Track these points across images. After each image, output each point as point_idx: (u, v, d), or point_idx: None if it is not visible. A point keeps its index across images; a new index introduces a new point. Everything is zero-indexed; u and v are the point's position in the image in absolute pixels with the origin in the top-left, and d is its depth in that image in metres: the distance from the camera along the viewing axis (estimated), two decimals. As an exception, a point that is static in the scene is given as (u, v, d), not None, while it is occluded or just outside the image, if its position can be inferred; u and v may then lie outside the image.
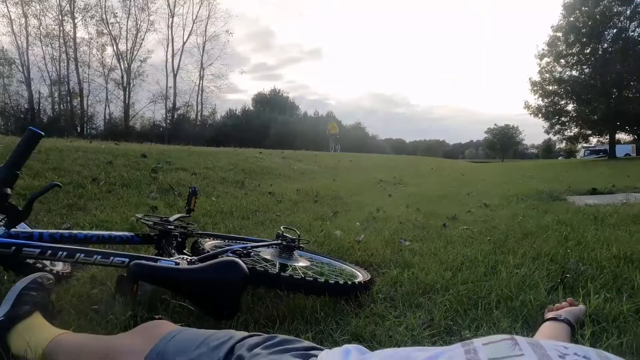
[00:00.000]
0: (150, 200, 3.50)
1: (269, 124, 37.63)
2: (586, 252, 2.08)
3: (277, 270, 1.52)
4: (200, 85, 36.55)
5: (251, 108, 43.60)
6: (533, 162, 31.03)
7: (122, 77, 31.68)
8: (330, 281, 1.51)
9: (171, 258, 1.38)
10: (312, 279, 1.49)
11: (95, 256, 1.29)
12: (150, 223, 1.75)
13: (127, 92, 31.79)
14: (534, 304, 1.44)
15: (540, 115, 26.30)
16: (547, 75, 26.07)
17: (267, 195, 4.53)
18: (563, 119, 26.59)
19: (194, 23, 32.31)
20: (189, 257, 1.39)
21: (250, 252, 1.59)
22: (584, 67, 25.12)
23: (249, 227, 2.96)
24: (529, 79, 26.60)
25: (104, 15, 29.53)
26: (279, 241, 1.83)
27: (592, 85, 24.10)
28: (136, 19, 30.59)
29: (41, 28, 27.78)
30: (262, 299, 1.51)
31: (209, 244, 1.81)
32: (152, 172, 4.58)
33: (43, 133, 1.10)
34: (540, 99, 26.31)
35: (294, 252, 1.86)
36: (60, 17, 28.11)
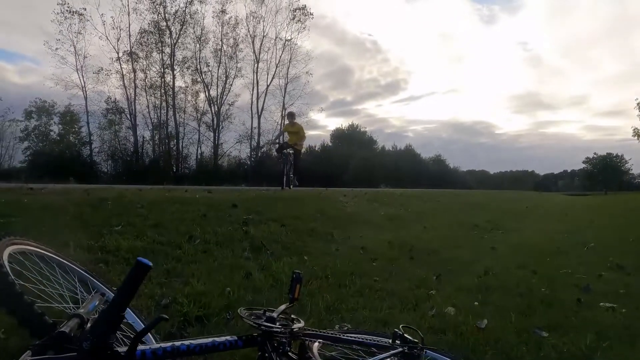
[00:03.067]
0: (244, 261, 3.40)
1: (347, 159, 37.82)
2: None
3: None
4: (282, 124, 38.19)
5: (329, 144, 44.33)
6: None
7: (213, 119, 34.19)
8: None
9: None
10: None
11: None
12: (255, 325, 1.55)
13: (216, 134, 34.18)
14: None
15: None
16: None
17: (360, 252, 4.25)
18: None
19: (276, 67, 34.07)
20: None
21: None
22: None
23: (347, 299, 2.69)
24: (637, 103, 23.81)
25: (198, 66, 32.38)
26: (400, 349, 1.52)
27: None
28: (226, 66, 33.06)
29: (146, 80, 31.17)
30: None
31: (316, 348, 1.56)
32: (243, 224, 4.56)
33: (151, 264, 0.95)
34: (652, 124, 23.28)
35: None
36: (162, 69, 31.37)
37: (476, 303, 2.56)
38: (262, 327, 1.54)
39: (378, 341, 1.69)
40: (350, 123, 49.50)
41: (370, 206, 8.10)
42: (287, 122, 10.55)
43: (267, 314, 1.72)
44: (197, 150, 34.62)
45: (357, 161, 38.19)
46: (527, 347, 1.95)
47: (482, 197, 16.12)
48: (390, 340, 1.65)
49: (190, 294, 2.47)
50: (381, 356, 1.45)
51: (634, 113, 24.05)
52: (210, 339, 1.46)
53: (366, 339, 1.74)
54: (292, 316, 1.77)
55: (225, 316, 2.25)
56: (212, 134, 34.28)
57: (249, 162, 35.99)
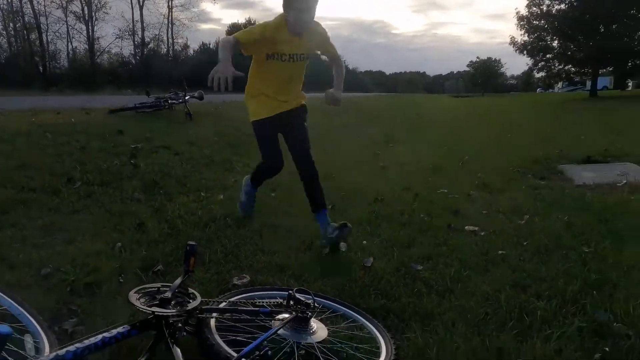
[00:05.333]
0: (135, 205, 3.21)
1: (248, 60, 35.76)
2: (615, 300, 1.97)
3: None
4: (170, 17, 34.02)
5: (226, 41, 41.00)
6: (513, 98, 30.89)
7: (83, 9, 29.06)
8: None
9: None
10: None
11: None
12: (149, 312, 1.52)
13: (90, 27, 29.36)
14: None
15: (525, 52, 25.77)
16: (535, 8, 25.16)
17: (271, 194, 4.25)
18: (548, 55, 26.16)
19: (157, -54, 29.17)
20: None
21: (268, 350, 1.41)
22: (574, 1, 24.23)
23: (246, 243, 2.75)
24: (517, 12, 25.68)
25: (55, -64, 26.29)
26: (293, 315, 1.64)
27: (580, 21, 23.43)
28: (92, -59, 27.40)
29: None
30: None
31: (213, 323, 1.61)
32: (131, 156, 4.22)
33: (10, 331, 0.83)
34: (526, 34, 25.64)
35: (310, 320, 1.69)
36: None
37: (365, 242, 2.81)
38: (156, 313, 1.53)
39: (273, 302, 1.81)
40: (247, 17, 45.91)
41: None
42: None
43: (162, 290, 1.70)
44: (68, 45, 29.71)
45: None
46: (404, 283, 2.23)
47: (379, 103, 16.93)
48: (285, 301, 1.76)
49: (76, 258, 2.29)
50: (273, 330, 1.55)
51: (513, 20, 26.00)
52: (100, 336, 1.41)
53: (261, 297, 1.84)
54: (190, 290, 1.78)
55: (118, 280, 2.16)
56: (83, 26, 29.40)
57: (133, 62, 32.16)
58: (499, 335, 1.75)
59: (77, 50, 30.85)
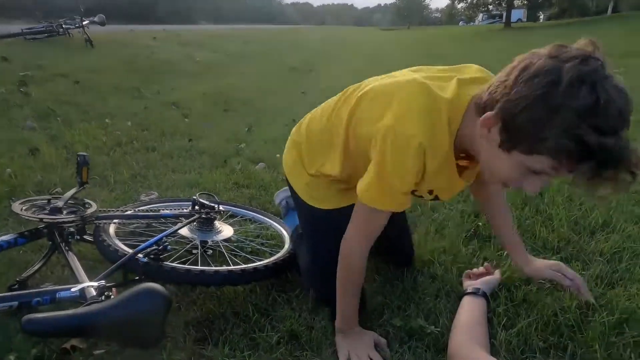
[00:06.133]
0: (27, 132, 2.93)
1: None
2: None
3: (199, 267, 1.39)
4: None
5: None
6: (436, 31, 31.56)
7: None
8: (258, 267, 1.44)
9: (73, 288, 1.17)
10: (239, 269, 1.39)
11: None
12: (36, 219, 1.45)
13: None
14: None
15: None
16: None
17: (172, 108, 4.06)
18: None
19: None
20: (96, 284, 1.20)
21: (167, 244, 1.43)
22: None
23: (156, 164, 2.66)
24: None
25: None
26: (196, 216, 1.66)
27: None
28: None
29: None
30: (188, 294, 1.41)
31: (112, 230, 1.58)
32: (20, 84, 3.78)
33: None
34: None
35: (215, 221, 1.72)
36: None
37: (278, 155, 2.84)
38: (45, 220, 1.46)
39: (178, 209, 1.80)
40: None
41: (185, 51, 7.47)
42: None
43: (53, 202, 1.62)
44: None
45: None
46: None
47: (303, 35, 16.43)
48: (190, 208, 1.77)
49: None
50: (178, 227, 1.57)
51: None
52: (-22, 246, 1.34)
53: (166, 208, 1.83)
54: (85, 200, 1.71)
55: (8, 204, 2.01)
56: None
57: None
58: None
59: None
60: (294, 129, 1.38)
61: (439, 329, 1.22)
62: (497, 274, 1.41)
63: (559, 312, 1.23)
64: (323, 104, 1.27)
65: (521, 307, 1.28)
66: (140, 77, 4.97)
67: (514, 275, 1.41)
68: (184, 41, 8.26)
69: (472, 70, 1.06)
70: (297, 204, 1.37)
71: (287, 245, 1.67)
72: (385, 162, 0.93)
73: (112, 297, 1.15)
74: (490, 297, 1.31)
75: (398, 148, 0.91)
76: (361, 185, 1.01)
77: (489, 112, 0.81)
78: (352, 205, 1.14)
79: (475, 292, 1.30)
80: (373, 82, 1.08)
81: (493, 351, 1.11)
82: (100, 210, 1.63)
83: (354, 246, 1.09)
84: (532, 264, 1.32)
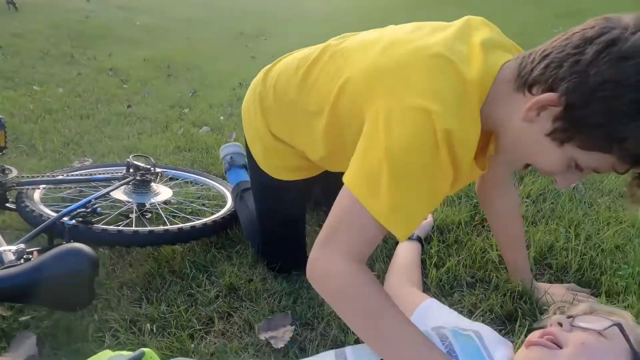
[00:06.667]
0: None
1: None
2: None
3: (132, 228, 1.34)
4: None
5: None
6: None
7: None
8: (196, 225, 1.41)
9: (-13, 253, 1.09)
10: (176, 228, 1.36)
11: None
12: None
13: None
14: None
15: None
16: None
17: (108, 74, 3.82)
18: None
19: None
20: (15, 248, 1.12)
21: (96, 206, 1.36)
22: None
23: (91, 131, 2.51)
24: None
25: None
26: (130, 178, 1.59)
27: None
28: None
29: None
30: (123, 257, 1.37)
31: (37, 196, 1.48)
32: None
33: None
34: None
35: (151, 183, 1.66)
36: None
37: (222, 117, 2.76)
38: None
39: (111, 173, 1.72)
40: None
41: (123, 15, 6.99)
42: None
43: (-33, 169, 1.50)
44: None
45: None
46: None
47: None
48: (125, 171, 1.69)
49: None
50: (110, 189, 1.49)
51: None
52: None
53: (98, 174, 1.74)
54: (5, 166, 1.59)
55: None
56: None
57: None
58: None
59: None
60: (259, 77, 1.11)
61: (375, 272, 1.26)
62: (430, 218, 1.47)
63: (488, 248, 1.29)
64: (297, 54, 1.02)
65: (452, 247, 1.34)
66: (72, 43, 4.61)
67: (447, 219, 1.47)
68: (122, 4, 7.71)
69: (480, 24, 0.83)
70: (249, 162, 1.23)
71: (229, 204, 1.65)
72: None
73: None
74: (424, 240, 1.36)
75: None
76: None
77: (549, 94, 0.62)
78: (308, 179, 1.15)
79: (410, 237, 1.34)
80: (370, 48, 0.82)
81: (424, 289, 1.16)
82: (22, 176, 1.52)
83: (333, 266, 0.74)
84: (537, 286, 1.11)
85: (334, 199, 0.78)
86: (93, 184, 1.65)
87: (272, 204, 1.21)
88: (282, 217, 1.21)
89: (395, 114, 0.69)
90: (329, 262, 0.74)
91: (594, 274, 1.18)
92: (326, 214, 0.80)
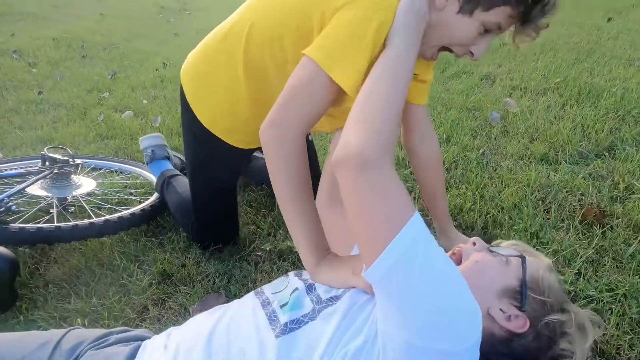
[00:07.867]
0: None
1: None
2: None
3: (54, 224, 1.29)
4: None
5: None
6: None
7: None
8: (124, 215, 1.39)
9: None
10: (102, 221, 1.33)
11: None
12: None
13: None
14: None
15: None
16: None
17: (12, 57, 3.48)
18: None
19: None
20: None
21: (11, 205, 1.30)
22: None
23: (-3, 123, 2.32)
24: None
25: None
26: (46, 172, 1.52)
27: None
28: None
29: None
30: (47, 254, 1.32)
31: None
32: None
33: None
34: None
35: (72, 175, 1.59)
36: None
37: (145, 101, 2.65)
38: None
39: (24, 168, 1.62)
40: None
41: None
42: None
43: None
44: None
45: None
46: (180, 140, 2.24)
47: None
48: (40, 164, 1.60)
49: None
50: (25, 185, 1.42)
51: None
52: None
53: (9, 169, 1.63)
54: None
55: None
56: None
57: None
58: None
59: None
60: (240, 39, 0.98)
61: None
62: None
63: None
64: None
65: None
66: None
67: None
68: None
69: None
70: (189, 136, 1.18)
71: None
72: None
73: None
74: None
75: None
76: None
77: None
78: (254, 149, 1.20)
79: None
80: None
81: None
82: None
83: (284, 130, 0.79)
84: (449, 234, 1.24)
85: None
86: (5, 180, 1.55)
87: (210, 175, 1.21)
88: (216, 190, 1.24)
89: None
90: (286, 128, 0.79)
91: (495, 231, 1.34)
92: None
